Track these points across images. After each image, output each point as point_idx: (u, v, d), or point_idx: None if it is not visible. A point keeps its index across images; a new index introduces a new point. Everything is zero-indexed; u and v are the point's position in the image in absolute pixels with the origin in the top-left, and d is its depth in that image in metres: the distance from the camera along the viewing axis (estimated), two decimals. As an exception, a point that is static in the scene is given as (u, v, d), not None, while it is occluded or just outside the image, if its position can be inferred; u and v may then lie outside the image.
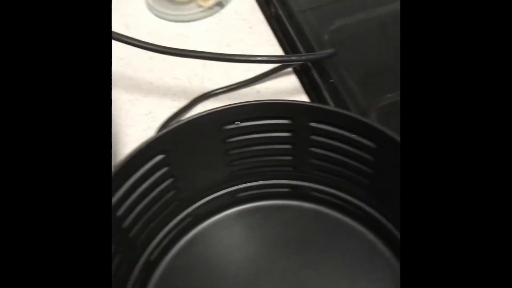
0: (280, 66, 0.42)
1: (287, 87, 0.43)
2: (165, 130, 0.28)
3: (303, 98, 0.42)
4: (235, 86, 0.42)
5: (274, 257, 0.33)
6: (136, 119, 0.41)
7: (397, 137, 0.27)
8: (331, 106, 0.29)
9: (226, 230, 0.35)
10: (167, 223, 0.33)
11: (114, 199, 0.27)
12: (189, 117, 0.29)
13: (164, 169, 0.30)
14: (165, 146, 0.29)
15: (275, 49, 0.46)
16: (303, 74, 0.43)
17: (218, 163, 0.32)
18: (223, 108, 0.29)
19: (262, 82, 0.43)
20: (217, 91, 0.42)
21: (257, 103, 0.29)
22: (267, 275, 0.32)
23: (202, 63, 0.44)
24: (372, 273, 0.32)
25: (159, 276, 0.33)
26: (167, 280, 0.33)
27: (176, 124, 0.29)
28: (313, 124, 0.30)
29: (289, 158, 0.33)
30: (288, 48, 0.45)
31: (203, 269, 0.33)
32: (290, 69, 0.44)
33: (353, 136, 0.29)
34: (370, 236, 0.34)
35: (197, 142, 0.30)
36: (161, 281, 0.33)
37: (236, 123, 0.30)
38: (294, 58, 0.40)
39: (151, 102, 0.43)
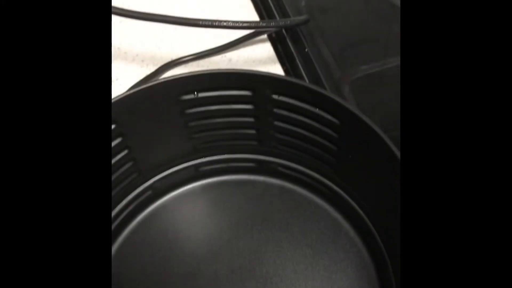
0: (253, 33, 0.40)
1: (261, 56, 0.41)
2: (116, 98, 0.26)
3: (277, 67, 0.40)
4: (205, 53, 0.40)
5: (236, 233, 0.32)
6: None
7: (361, 114, 0.26)
8: (293, 78, 0.27)
9: (188, 204, 0.34)
10: (126, 196, 0.32)
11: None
12: (143, 85, 0.27)
13: (118, 140, 0.28)
14: (117, 115, 0.27)
15: (252, 15, 0.44)
16: (278, 43, 0.41)
17: (178, 135, 0.31)
18: (179, 76, 0.27)
19: (234, 49, 0.41)
20: (186, 58, 0.40)
21: (214, 72, 0.27)
22: (227, 252, 0.31)
23: (173, 28, 0.42)
24: (335, 252, 0.31)
25: (115, 251, 0.32)
26: (123, 255, 0.32)
27: (129, 92, 0.27)
28: (275, 96, 0.28)
29: (253, 131, 0.32)
30: (264, 15, 0.43)
31: (162, 245, 0.32)
32: (265, 37, 0.41)
33: (316, 110, 0.28)
34: (335, 214, 0.33)
35: (153, 112, 0.28)
36: (118, 256, 0.31)
37: (194, 93, 0.28)
38: (265, 24, 0.38)
39: (118, 68, 0.41)
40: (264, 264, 0.31)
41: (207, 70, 0.28)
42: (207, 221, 0.33)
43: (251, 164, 0.34)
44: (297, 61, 0.38)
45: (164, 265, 0.31)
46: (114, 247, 0.32)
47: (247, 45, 0.41)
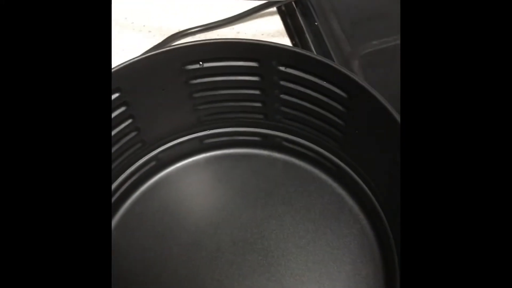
0: (262, 4, 0.39)
1: (270, 29, 0.40)
2: (120, 65, 0.26)
3: (286, 41, 0.39)
4: (213, 25, 0.39)
5: (239, 206, 0.32)
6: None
7: (371, 89, 0.25)
8: (301, 49, 0.26)
9: (192, 176, 0.34)
10: (129, 166, 0.32)
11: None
12: (147, 53, 0.27)
13: (122, 109, 0.28)
14: (120, 84, 0.27)
15: (261, -13, 0.43)
16: (287, 16, 0.40)
17: (183, 106, 0.30)
18: (184, 45, 0.27)
19: (243, 22, 0.40)
20: (193, 30, 0.39)
21: (220, 41, 0.27)
22: (229, 225, 0.31)
23: (181, -2, 0.41)
24: (338, 228, 0.31)
25: (118, 221, 0.32)
26: (126, 225, 0.32)
27: (133, 60, 0.27)
28: (282, 68, 0.27)
29: (259, 104, 0.31)
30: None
31: (164, 215, 0.32)
32: (274, 10, 0.41)
33: (324, 83, 0.27)
34: (340, 190, 0.32)
35: (157, 81, 0.28)
36: (120, 226, 0.32)
37: (199, 63, 0.28)
38: (274, -5, 0.37)
39: (125, 38, 0.40)
40: (266, 238, 0.31)
41: (212, 39, 0.27)
42: (210, 193, 0.33)
43: (256, 138, 0.34)
44: (306, 34, 0.37)
45: (166, 236, 0.31)
46: (117, 217, 0.32)
47: (256, 17, 0.40)
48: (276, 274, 0.30)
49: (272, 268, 0.30)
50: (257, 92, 0.30)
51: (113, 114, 0.28)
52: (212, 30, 0.40)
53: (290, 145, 0.33)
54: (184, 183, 0.33)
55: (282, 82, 0.29)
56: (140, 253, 0.30)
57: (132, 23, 0.41)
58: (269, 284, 0.29)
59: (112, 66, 0.26)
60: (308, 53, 0.27)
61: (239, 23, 0.40)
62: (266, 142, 0.34)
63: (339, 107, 0.28)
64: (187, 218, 0.32)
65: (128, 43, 0.40)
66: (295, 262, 0.30)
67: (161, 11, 0.42)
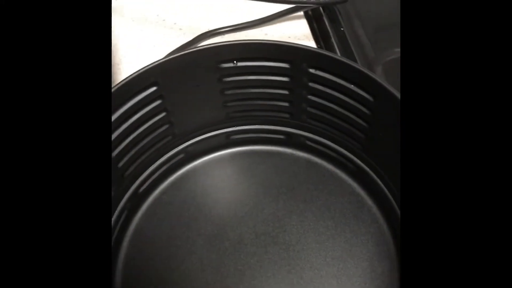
0: (290, 8, 0.40)
1: (296, 32, 0.41)
2: (158, 61, 0.28)
3: (311, 44, 0.40)
4: (242, 26, 0.41)
5: (262, 201, 0.33)
6: (139, 51, 0.40)
7: (397, 93, 0.26)
8: (330, 52, 0.28)
9: (217, 170, 0.35)
10: (159, 158, 0.33)
11: (103, 127, 0.27)
12: (181, 50, 0.28)
13: (157, 102, 0.29)
14: (158, 78, 0.28)
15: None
16: (314, 20, 0.41)
17: (214, 102, 0.32)
18: (220, 44, 0.28)
19: (271, 24, 0.42)
20: (223, 30, 0.40)
21: (256, 42, 0.28)
22: (252, 218, 0.33)
23: (212, -1, 0.42)
24: (357, 227, 0.32)
25: (146, 209, 0.33)
26: (153, 214, 0.33)
27: (171, 56, 0.28)
28: (312, 70, 0.29)
29: (286, 104, 0.32)
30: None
31: (190, 206, 0.33)
32: (301, 14, 0.42)
33: (352, 87, 0.28)
34: (359, 190, 0.33)
35: (192, 78, 0.29)
36: (148, 214, 0.33)
37: (233, 62, 0.29)
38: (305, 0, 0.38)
39: (156, 34, 0.42)
40: (287, 232, 0.32)
41: (248, 40, 0.28)
42: (234, 187, 0.34)
43: (280, 136, 0.35)
44: (332, 39, 0.38)
45: (192, 226, 0.32)
46: (145, 206, 0.33)
47: (283, 20, 0.42)
48: (296, 267, 0.31)
49: (292, 261, 0.31)
50: (285, 92, 0.31)
51: (148, 107, 0.29)
52: (241, 31, 0.41)
53: (313, 145, 0.34)
54: (210, 176, 0.35)
55: (310, 84, 0.30)
56: (165, 240, 0.32)
57: (164, 20, 0.43)
58: (289, 276, 0.31)
59: (149, 62, 0.28)
60: (337, 57, 0.28)
61: (267, 25, 0.41)
62: (290, 141, 0.35)
63: (364, 109, 0.29)
64: (212, 209, 0.33)
65: (159, 39, 0.41)
66: (315, 257, 0.31)
67: (192, 10, 0.43)
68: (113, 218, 0.31)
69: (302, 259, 0.31)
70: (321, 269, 0.31)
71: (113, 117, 0.28)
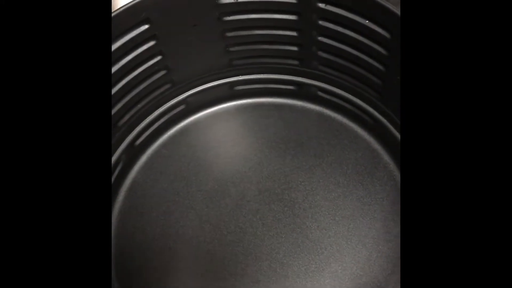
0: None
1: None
2: (149, -3, 0.25)
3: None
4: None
5: (267, 156, 0.31)
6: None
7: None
8: (343, -18, 0.24)
9: (221, 123, 0.33)
10: (157, 108, 0.31)
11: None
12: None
13: (151, 43, 0.27)
14: (150, 14, 0.25)
15: None
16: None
17: (214, 46, 0.29)
18: (218, -25, 0.25)
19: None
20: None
21: (257, -28, 0.25)
22: (256, 174, 0.30)
23: None
24: (371, 184, 0.29)
25: (143, 162, 0.31)
26: (151, 167, 0.31)
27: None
28: (321, 4, 0.25)
29: (294, 48, 0.29)
30: None
31: (190, 161, 0.31)
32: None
33: (366, 22, 0.25)
34: (376, 145, 0.30)
35: (188, 15, 0.27)
36: (145, 167, 0.31)
37: (234, -3, 0.26)
38: None
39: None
40: (293, 189, 0.29)
41: (249, -31, 0.25)
42: (238, 141, 0.32)
43: (289, 87, 0.32)
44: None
45: (192, 180, 0.30)
46: (143, 158, 0.31)
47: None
48: (302, 226, 0.28)
49: (297, 219, 0.28)
50: (293, 33, 0.28)
51: (142, 48, 0.27)
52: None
53: (326, 96, 0.31)
54: (213, 130, 0.32)
55: (320, 22, 0.27)
56: (163, 195, 0.30)
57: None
58: (294, 235, 0.28)
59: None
60: (350, -12, 0.25)
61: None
62: (300, 92, 0.32)
63: (381, 49, 0.26)
64: (213, 164, 0.31)
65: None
66: (323, 215, 0.28)
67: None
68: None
69: (308, 217, 0.28)
70: (329, 229, 0.28)
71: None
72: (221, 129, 0.32)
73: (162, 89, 0.30)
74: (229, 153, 0.31)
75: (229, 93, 0.32)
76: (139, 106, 0.30)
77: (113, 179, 0.30)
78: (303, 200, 0.29)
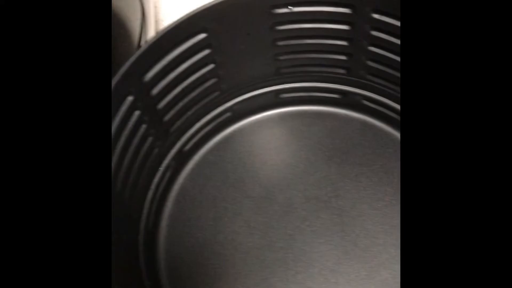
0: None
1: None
2: (208, 5, 0.25)
3: None
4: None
5: (312, 164, 0.31)
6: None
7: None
8: (401, -6, 0.25)
9: (266, 130, 0.33)
10: (205, 114, 0.31)
11: (150, 75, 0.25)
12: (233, -2, 0.26)
13: (206, 51, 0.27)
14: (208, 24, 0.26)
15: None
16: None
17: (264, 55, 0.30)
18: (275, -14, 0.26)
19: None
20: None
21: (314, -17, 0.26)
22: (302, 181, 0.30)
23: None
24: (418, 193, 0.29)
25: (191, 168, 0.32)
26: (199, 173, 0.31)
27: (219, 2, 0.26)
28: (376, 16, 0.26)
29: (343, 58, 0.30)
30: None
31: (237, 167, 0.31)
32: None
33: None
34: (422, 154, 0.30)
35: (243, 24, 0.27)
36: (193, 173, 0.31)
37: (288, 7, 0.27)
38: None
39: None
40: (340, 197, 0.30)
41: (306, -20, 0.26)
42: (283, 149, 0.32)
43: (334, 95, 0.32)
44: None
45: (239, 187, 0.31)
46: (190, 165, 0.32)
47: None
48: (351, 234, 0.28)
49: (346, 227, 0.29)
50: (344, 43, 0.29)
51: (197, 57, 0.27)
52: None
53: (370, 104, 0.32)
54: (257, 137, 0.33)
55: (373, 32, 0.27)
56: (211, 202, 0.30)
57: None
58: (342, 243, 0.28)
59: (199, 6, 0.26)
60: None
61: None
62: (345, 100, 0.32)
63: (435, 60, 0.26)
64: (260, 171, 0.31)
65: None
66: (371, 224, 0.29)
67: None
68: (158, 176, 0.30)
69: (357, 225, 0.29)
70: (378, 237, 0.28)
71: (159, 66, 0.26)
72: (266, 136, 0.33)
73: (211, 97, 0.31)
74: (275, 160, 0.32)
75: (274, 100, 0.33)
76: (189, 113, 0.30)
77: (162, 185, 0.30)
78: (351, 208, 0.29)
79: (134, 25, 0.32)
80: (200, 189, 0.31)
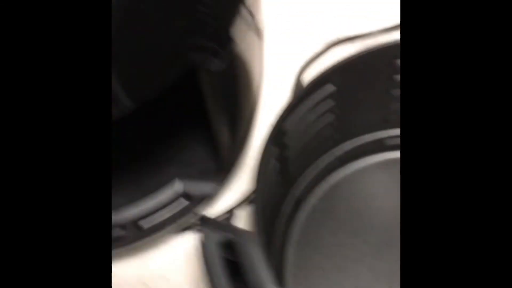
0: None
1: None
2: (337, 62, 0.27)
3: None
4: (374, 32, 0.40)
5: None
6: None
7: None
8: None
9: (371, 176, 0.34)
10: (316, 162, 0.32)
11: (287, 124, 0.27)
12: (360, 51, 0.28)
13: (331, 104, 0.29)
14: (336, 78, 0.27)
15: None
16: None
17: (377, 102, 0.31)
18: (395, 41, 0.28)
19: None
20: (353, 37, 0.40)
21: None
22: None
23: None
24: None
25: (305, 215, 0.32)
26: (312, 220, 0.32)
27: (350, 57, 0.28)
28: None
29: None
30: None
31: (347, 213, 0.32)
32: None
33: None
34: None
35: (365, 76, 0.29)
36: (308, 220, 0.32)
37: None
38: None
39: (283, 45, 0.41)
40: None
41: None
42: (390, 194, 0.33)
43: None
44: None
45: (356, 233, 0.31)
46: (304, 212, 0.32)
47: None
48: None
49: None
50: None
51: (324, 108, 0.29)
52: (371, 37, 0.40)
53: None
54: (363, 183, 0.33)
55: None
56: (331, 248, 0.31)
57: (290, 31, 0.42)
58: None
59: (330, 63, 0.27)
60: None
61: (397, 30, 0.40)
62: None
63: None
64: (374, 217, 0.32)
65: (287, 49, 0.41)
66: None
67: (318, 19, 0.43)
68: (278, 225, 0.30)
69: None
70: None
71: (292, 116, 0.27)
72: (372, 182, 0.34)
73: (323, 146, 0.32)
74: (388, 205, 0.32)
75: (380, 146, 0.34)
76: (307, 161, 0.31)
77: (281, 233, 0.31)
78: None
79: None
80: (317, 237, 0.31)
